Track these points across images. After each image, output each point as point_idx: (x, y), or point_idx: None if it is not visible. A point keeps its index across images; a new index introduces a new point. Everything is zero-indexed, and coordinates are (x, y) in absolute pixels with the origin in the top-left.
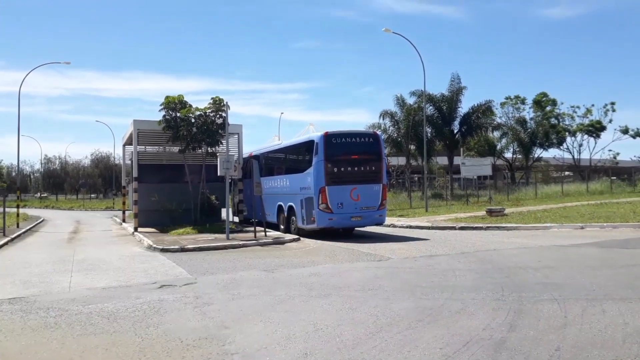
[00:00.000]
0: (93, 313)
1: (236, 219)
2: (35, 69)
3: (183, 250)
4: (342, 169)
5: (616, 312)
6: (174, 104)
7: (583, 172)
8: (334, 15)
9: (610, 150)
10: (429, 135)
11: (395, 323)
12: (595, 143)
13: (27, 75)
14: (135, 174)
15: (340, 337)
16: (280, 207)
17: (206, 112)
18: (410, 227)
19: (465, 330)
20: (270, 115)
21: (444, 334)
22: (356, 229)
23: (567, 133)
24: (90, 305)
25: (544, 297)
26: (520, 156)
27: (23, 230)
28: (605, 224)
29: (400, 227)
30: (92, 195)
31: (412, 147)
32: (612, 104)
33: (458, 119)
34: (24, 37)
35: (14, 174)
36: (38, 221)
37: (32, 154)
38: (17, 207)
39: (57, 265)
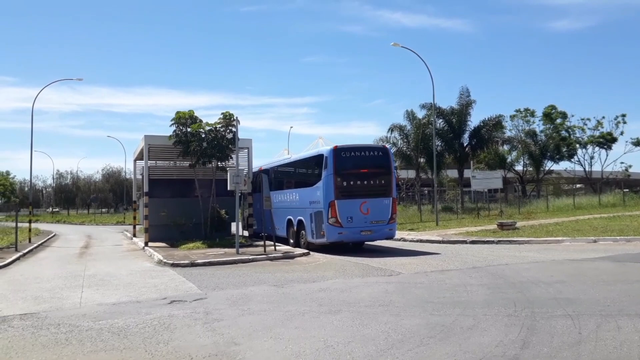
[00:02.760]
0: (103, 329)
1: (246, 233)
2: (48, 85)
3: (193, 265)
4: (352, 182)
5: (631, 329)
6: (184, 119)
7: (595, 184)
8: (342, 30)
9: (622, 163)
10: (438, 148)
11: (406, 340)
12: (607, 155)
13: (40, 91)
14: (146, 188)
15: (351, 354)
16: (289, 221)
17: (216, 127)
18: (421, 241)
19: (477, 347)
20: (279, 129)
21: (456, 351)
22: (366, 243)
23: (578, 145)
24: (100, 321)
25: (558, 313)
26: (530, 169)
27: (35, 245)
28: (618, 238)
29: (410, 241)
30: (103, 209)
31: (422, 160)
32: (623, 115)
33: (468, 132)
34: (37, 54)
35: (26, 189)
36: (49, 236)
37: (45, 169)
38: (29, 222)
39: (68, 280)
